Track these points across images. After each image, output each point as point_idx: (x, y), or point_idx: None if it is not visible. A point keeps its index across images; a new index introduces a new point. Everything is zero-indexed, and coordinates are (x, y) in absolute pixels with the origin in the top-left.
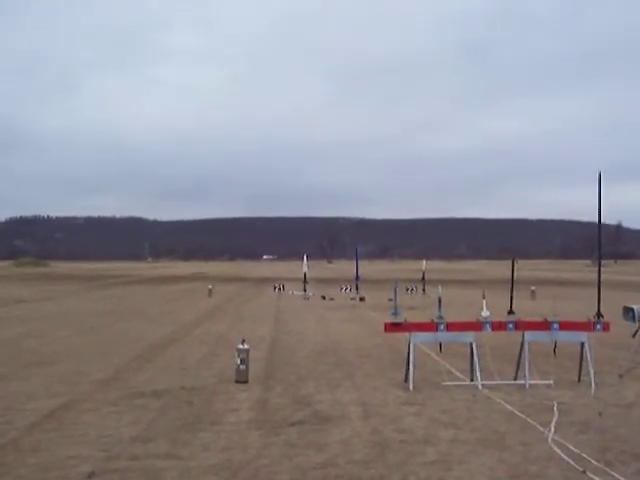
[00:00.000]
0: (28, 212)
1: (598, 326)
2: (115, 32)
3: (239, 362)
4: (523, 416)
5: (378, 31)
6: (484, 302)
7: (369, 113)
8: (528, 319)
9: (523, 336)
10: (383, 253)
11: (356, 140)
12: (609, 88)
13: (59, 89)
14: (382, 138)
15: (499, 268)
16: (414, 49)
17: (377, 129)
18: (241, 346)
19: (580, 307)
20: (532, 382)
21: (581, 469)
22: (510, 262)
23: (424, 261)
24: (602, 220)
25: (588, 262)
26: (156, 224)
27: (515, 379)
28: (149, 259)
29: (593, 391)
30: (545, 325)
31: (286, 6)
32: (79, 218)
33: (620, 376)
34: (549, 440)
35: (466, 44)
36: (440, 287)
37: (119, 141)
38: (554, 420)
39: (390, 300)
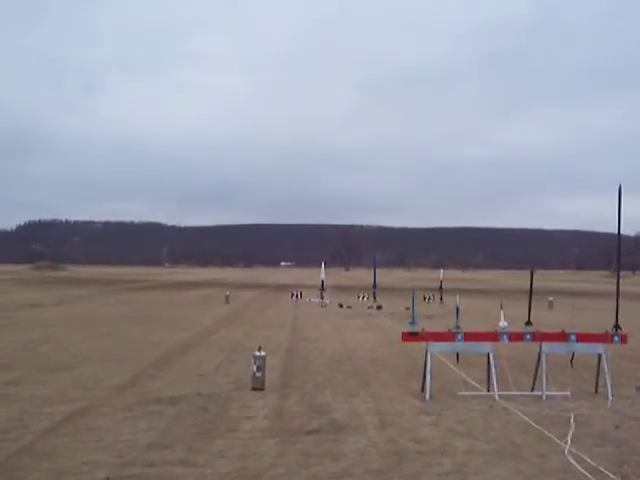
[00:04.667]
0: (47, 216)
1: (616, 338)
2: (139, 35)
3: (255, 369)
4: (540, 427)
5: (404, 40)
6: (502, 312)
7: (391, 122)
8: (545, 330)
9: (540, 347)
10: (401, 261)
11: (376, 148)
12: (629, 100)
13: (80, 93)
14: (402, 147)
15: (516, 278)
16: (439, 58)
17: (398, 138)
18: (258, 353)
19: (598, 318)
20: (549, 393)
21: None
22: (527, 272)
23: (442, 270)
24: (620, 232)
25: (606, 273)
26: (174, 230)
27: (532, 390)
28: (166, 264)
29: (610, 403)
30: (562, 336)
31: (314, 14)
32: (97, 223)
33: (638, 388)
34: (566, 452)
35: (490, 55)
36: (457, 297)
37: (139, 146)
38: (571, 432)
39: (407, 309)
